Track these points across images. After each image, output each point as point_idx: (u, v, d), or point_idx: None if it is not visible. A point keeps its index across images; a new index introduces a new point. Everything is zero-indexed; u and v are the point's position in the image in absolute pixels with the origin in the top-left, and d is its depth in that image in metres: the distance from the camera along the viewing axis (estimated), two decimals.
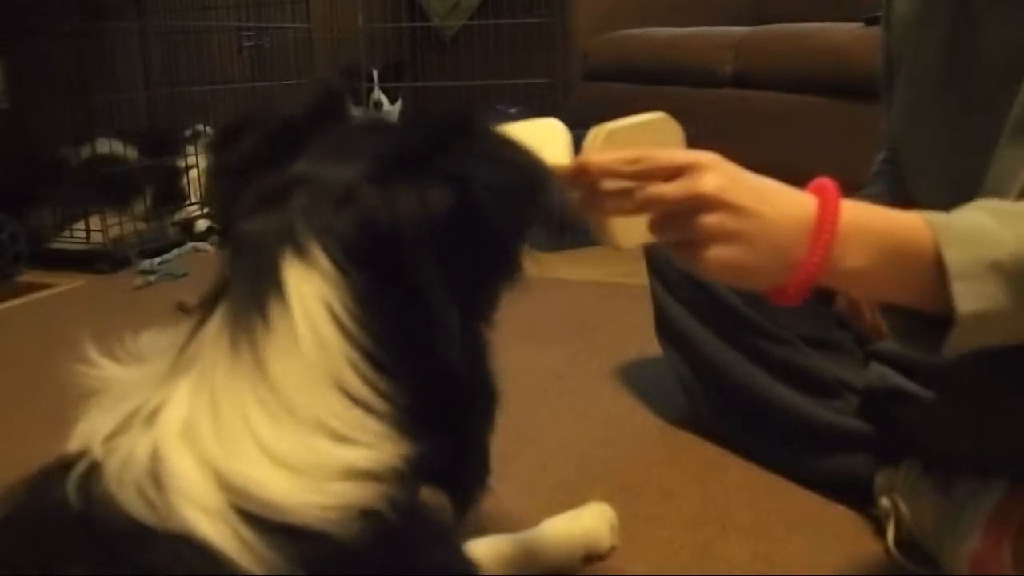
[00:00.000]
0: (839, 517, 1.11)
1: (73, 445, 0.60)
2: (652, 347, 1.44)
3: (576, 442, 1.35)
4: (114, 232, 2.48)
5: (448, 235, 0.59)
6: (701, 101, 3.02)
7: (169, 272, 2.36)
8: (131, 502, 0.52)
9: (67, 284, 2.31)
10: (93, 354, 0.64)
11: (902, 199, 1.15)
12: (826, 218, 0.72)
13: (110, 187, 2.54)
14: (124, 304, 2.16)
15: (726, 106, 2.94)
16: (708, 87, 3.01)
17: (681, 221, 0.73)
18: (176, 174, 2.81)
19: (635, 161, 0.76)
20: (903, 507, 1.02)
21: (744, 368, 1.26)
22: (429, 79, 3.96)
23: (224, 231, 0.68)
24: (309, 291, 0.57)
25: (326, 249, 0.57)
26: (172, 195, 2.78)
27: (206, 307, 0.60)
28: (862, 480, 1.09)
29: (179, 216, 2.77)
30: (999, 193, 0.91)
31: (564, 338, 1.80)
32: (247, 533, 0.51)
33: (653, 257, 1.42)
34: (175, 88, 3.09)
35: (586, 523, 1.05)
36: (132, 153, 2.68)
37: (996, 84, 0.93)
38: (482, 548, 0.96)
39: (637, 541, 1.07)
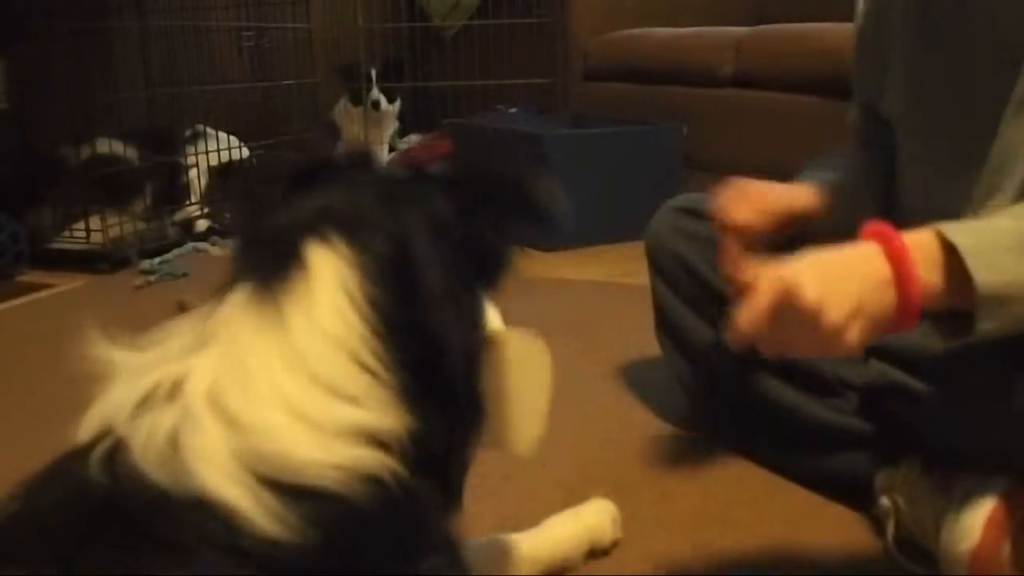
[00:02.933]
0: (839, 517, 1.11)
1: (87, 429, 0.62)
2: (652, 347, 1.44)
3: (576, 442, 1.35)
4: (114, 232, 2.48)
5: (447, 234, 0.68)
6: (701, 101, 3.02)
7: (169, 272, 2.36)
8: (156, 471, 0.55)
9: (67, 284, 2.31)
10: (101, 343, 0.67)
11: (883, 195, 1.16)
12: (901, 252, 0.82)
13: (110, 187, 2.54)
14: (124, 304, 2.16)
15: (726, 106, 2.94)
16: (708, 87, 3.02)
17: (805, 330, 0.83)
18: (176, 174, 2.81)
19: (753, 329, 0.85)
20: (903, 506, 1.02)
21: (743, 367, 1.27)
22: (429, 79, 3.96)
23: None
24: (329, 268, 0.63)
25: (345, 238, 0.64)
26: (172, 195, 2.78)
27: (220, 294, 0.65)
28: (862, 479, 1.09)
29: (179, 216, 2.77)
30: (1004, 168, 0.92)
31: (564, 338, 1.80)
32: (264, 494, 0.55)
33: (654, 254, 1.41)
34: (175, 88, 3.10)
35: (589, 519, 1.05)
36: (132, 153, 2.68)
37: (993, 66, 0.94)
38: (486, 547, 0.97)
39: (637, 541, 1.07)
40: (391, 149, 4.34)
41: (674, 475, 1.24)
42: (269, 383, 0.59)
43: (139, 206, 2.69)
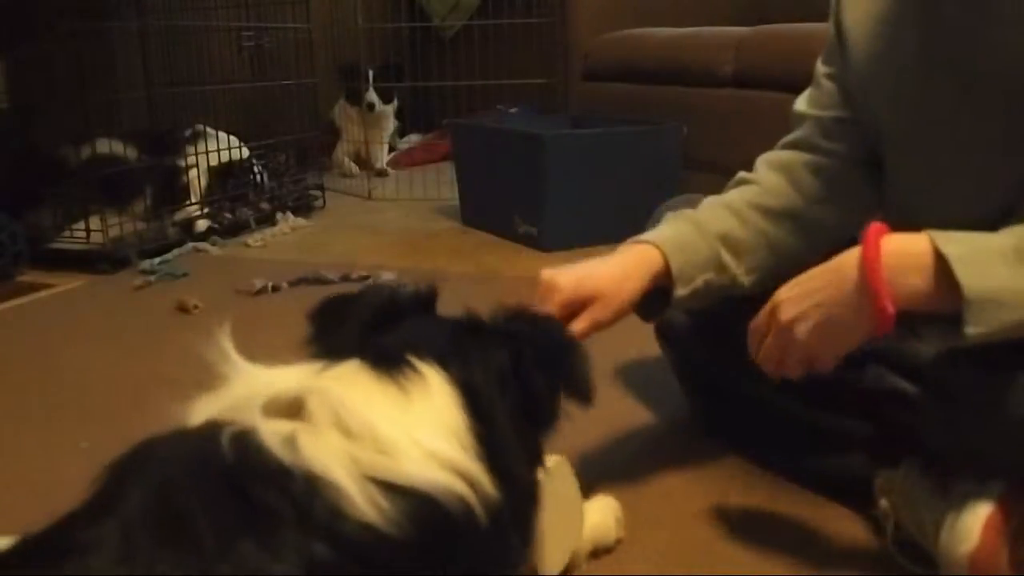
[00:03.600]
0: (839, 517, 1.11)
1: (201, 415, 0.68)
2: (652, 347, 1.44)
3: (576, 442, 1.35)
4: (114, 232, 2.48)
5: (508, 383, 0.78)
6: (701, 101, 3.02)
7: (169, 272, 2.36)
8: (280, 451, 0.62)
9: (67, 284, 2.31)
10: (226, 345, 0.73)
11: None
12: (871, 257, 0.85)
13: (110, 187, 2.54)
14: (124, 304, 2.16)
15: (726, 106, 2.94)
16: (708, 87, 3.01)
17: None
18: (176, 174, 2.81)
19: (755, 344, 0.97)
20: (902, 508, 1.02)
21: (741, 369, 1.27)
22: (429, 79, 3.96)
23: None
24: (438, 378, 0.73)
25: (439, 366, 0.74)
26: (172, 195, 2.78)
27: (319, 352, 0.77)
28: (861, 481, 1.09)
29: (179, 216, 2.77)
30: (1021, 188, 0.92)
31: None
32: (370, 486, 0.62)
33: None
34: (175, 88, 3.10)
35: (593, 517, 1.05)
36: (132, 153, 2.68)
37: (1003, 93, 0.93)
38: None
39: (637, 541, 1.07)
40: (391, 149, 4.34)
41: (674, 475, 1.24)
42: (388, 417, 0.68)
43: (139, 206, 2.69)
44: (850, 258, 0.88)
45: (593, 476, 1.24)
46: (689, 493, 1.19)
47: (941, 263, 0.82)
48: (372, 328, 0.80)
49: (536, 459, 0.82)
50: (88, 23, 2.52)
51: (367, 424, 0.66)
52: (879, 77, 1.07)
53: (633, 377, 1.59)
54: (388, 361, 0.72)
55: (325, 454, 0.62)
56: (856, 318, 0.87)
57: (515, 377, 0.79)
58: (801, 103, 1.20)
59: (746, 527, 1.11)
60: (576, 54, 3.59)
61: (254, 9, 3.31)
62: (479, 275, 2.34)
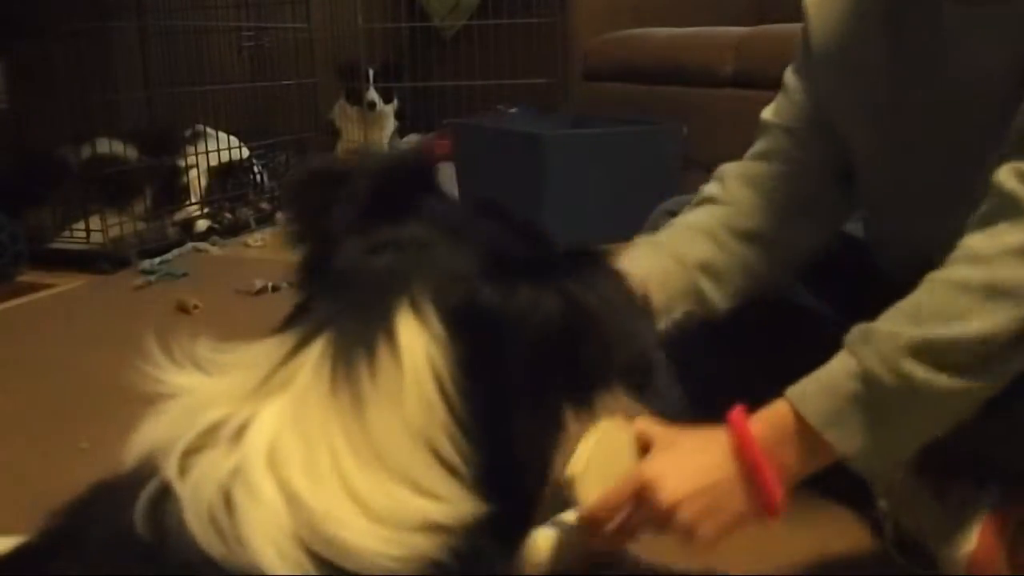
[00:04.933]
0: (839, 517, 1.11)
1: (135, 454, 0.59)
2: None
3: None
4: (114, 232, 2.48)
5: (545, 343, 0.62)
6: (701, 101, 3.02)
7: (169, 272, 2.35)
8: (203, 533, 0.52)
9: (67, 284, 2.31)
10: (158, 355, 0.62)
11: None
12: (747, 445, 0.84)
13: (110, 187, 2.54)
14: (124, 304, 2.15)
15: (726, 106, 2.94)
16: (708, 87, 3.02)
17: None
18: (176, 174, 2.81)
19: (606, 512, 0.87)
20: (901, 509, 1.02)
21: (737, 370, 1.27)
22: (429, 79, 3.96)
23: (310, 265, 0.70)
24: (420, 348, 0.58)
25: (440, 312, 0.59)
26: (172, 195, 2.78)
27: (296, 327, 0.62)
28: (861, 481, 1.09)
29: (179, 216, 2.77)
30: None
31: None
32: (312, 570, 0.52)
33: None
34: (175, 88, 3.09)
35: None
36: (132, 153, 2.68)
37: (973, 106, 0.92)
38: None
39: (636, 542, 1.07)
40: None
41: None
42: (336, 469, 0.56)
43: (139, 206, 2.69)
44: (726, 451, 0.85)
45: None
46: None
47: (807, 427, 0.82)
48: (364, 216, 0.66)
49: (551, 453, 0.69)
50: (88, 23, 2.52)
51: (307, 486, 0.55)
52: (846, 90, 1.06)
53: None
54: (362, 326, 0.59)
55: (265, 540, 0.53)
56: (744, 505, 0.85)
57: (560, 343, 0.62)
58: (769, 112, 1.18)
59: (746, 527, 1.10)
60: (576, 54, 3.59)
61: (254, 9, 3.31)
62: None
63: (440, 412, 0.58)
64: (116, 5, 2.92)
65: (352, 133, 4.09)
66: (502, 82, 3.49)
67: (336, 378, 0.58)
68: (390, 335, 0.58)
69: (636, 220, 1.34)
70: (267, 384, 0.59)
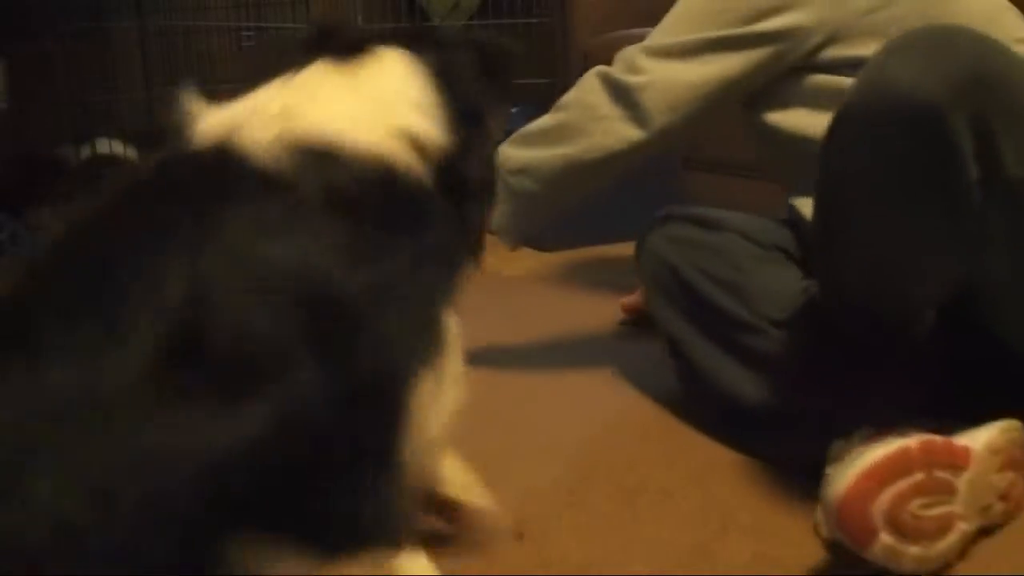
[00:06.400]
0: None
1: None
2: (652, 347, 1.45)
3: (575, 442, 1.35)
4: None
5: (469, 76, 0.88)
6: None
7: None
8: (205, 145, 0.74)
9: None
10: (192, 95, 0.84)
11: None
12: None
13: None
14: None
15: (725, 106, 2.93)
16: None
17: None
18: None
19: None
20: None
21: (721, 360, 1.28)
22: None
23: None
24: (397, 56, 0.83)
25: (403, 49, 0.84)
26: None
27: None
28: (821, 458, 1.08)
29: None
30: None
31: (562, 338, 1.81)
32: (294, 156, 0.70)
33: (641, 254, 1.45)
34: (175, 88, 3.09)
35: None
36: (132, 153, 2.68)
37: None
38: None
39: (637, 541, 1.07)
40: None
41: (674, 475, 1.24)
42: (333, 98, 0.77)
43: None
44: None
45: (592, 476, 1.24)
46: (689, 493, 1.19)
47: None
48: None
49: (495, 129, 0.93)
50: (88, 23, 2.52)
51: (304, 106, 0.75)
52: None
53: (632, 377, 1.59)
54: (347, 51, 0.81)
55: (253, 132, 0.72)
56: None
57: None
58: None
59: (745, 527, 1.11)
60: (576, 54, 3.59)
61: (254, 9, 3.31)
62: (478, 274, 2.33)
63: (416, 83, 0.81)
64: (116, 5, 2.92)
65: None
66: None
67: (333, 70, 0.80)
68: (371, 52, 0.82)
69: (635, 221, 1.35)
70: (278, 85, 0.80)
